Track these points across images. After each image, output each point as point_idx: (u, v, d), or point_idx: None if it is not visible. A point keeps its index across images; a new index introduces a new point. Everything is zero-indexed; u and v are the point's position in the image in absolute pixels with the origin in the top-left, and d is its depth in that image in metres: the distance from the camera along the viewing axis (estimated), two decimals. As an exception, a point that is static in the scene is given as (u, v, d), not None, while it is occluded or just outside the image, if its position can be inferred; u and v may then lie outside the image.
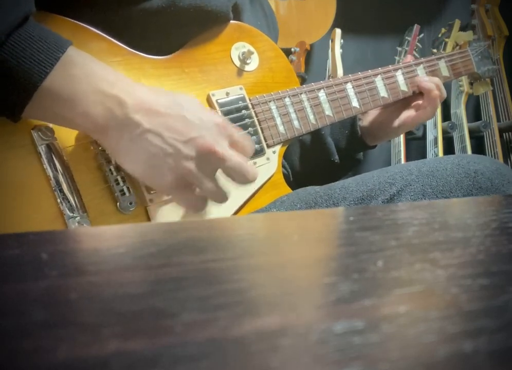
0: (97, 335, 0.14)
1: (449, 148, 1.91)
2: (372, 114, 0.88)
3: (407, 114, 0.84)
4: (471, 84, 1.79)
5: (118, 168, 0.55)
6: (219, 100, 0.65)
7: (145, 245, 0.24)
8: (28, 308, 0.15)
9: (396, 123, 0.85)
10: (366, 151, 0.92)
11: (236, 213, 0.65)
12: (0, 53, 0.45)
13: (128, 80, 0.51)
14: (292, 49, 1.82)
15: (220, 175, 0.54)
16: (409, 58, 0.88)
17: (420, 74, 0.86)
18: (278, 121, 0.70)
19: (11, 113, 0.49)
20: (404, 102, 0.85)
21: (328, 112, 0.75)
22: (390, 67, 0.84)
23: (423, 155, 1.88)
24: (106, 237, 0.28)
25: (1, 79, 0.46)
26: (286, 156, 0.89)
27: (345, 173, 0.92)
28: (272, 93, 0.70)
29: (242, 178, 0.55)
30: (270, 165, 0.70)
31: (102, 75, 0.50)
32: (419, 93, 0.85)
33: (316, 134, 0.86)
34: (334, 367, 0.12)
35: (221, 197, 0.55)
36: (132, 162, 0.51)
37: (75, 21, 0.56)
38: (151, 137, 0.50)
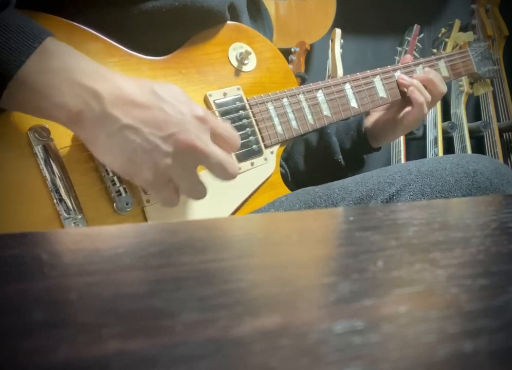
0: (97, 335, 0.14)
1: (449, 148, 1.91)
2: (374, 116, 0.88)
3: (402, 115, 0.84)
4: (471, 84, 1.79)
5: None
6: (216, 101, 0.65)
7: (144, 245, 0.24)
8: (28, 308, 0.15)
9: (393, 124, 0.85)
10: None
11: (234, 213, 0.65)
12: None
13: (106, 72, 0.49)
14: (292, 49, 1.82)
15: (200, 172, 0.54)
16: (408, 58, 0.88)
17: None
18: (276, 121, 0.70)
19: None
20: (402, 103, 0.85)
21: (326, 112, 0.75)
22: (389, 67, 0.84)
23: (423, 155, 1.88)
24: (105, 237, 0.28)
25: None
26: (290, 155, 0.89)
27: (348, 174, 0.92)
28: (269, 93, 0.70)
29: (222, 174, 0.53)
30: (267, 165, 0.69)
31: (79, 66, 0.48)
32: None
33: (321, 133, 0.86)
34: (334, 367, 0.12)
35: (199, 193, 0.54)
36: (110, 157, 0.50)
37: (72, 22, 0.56)
38: (129, 133, 0.48)
